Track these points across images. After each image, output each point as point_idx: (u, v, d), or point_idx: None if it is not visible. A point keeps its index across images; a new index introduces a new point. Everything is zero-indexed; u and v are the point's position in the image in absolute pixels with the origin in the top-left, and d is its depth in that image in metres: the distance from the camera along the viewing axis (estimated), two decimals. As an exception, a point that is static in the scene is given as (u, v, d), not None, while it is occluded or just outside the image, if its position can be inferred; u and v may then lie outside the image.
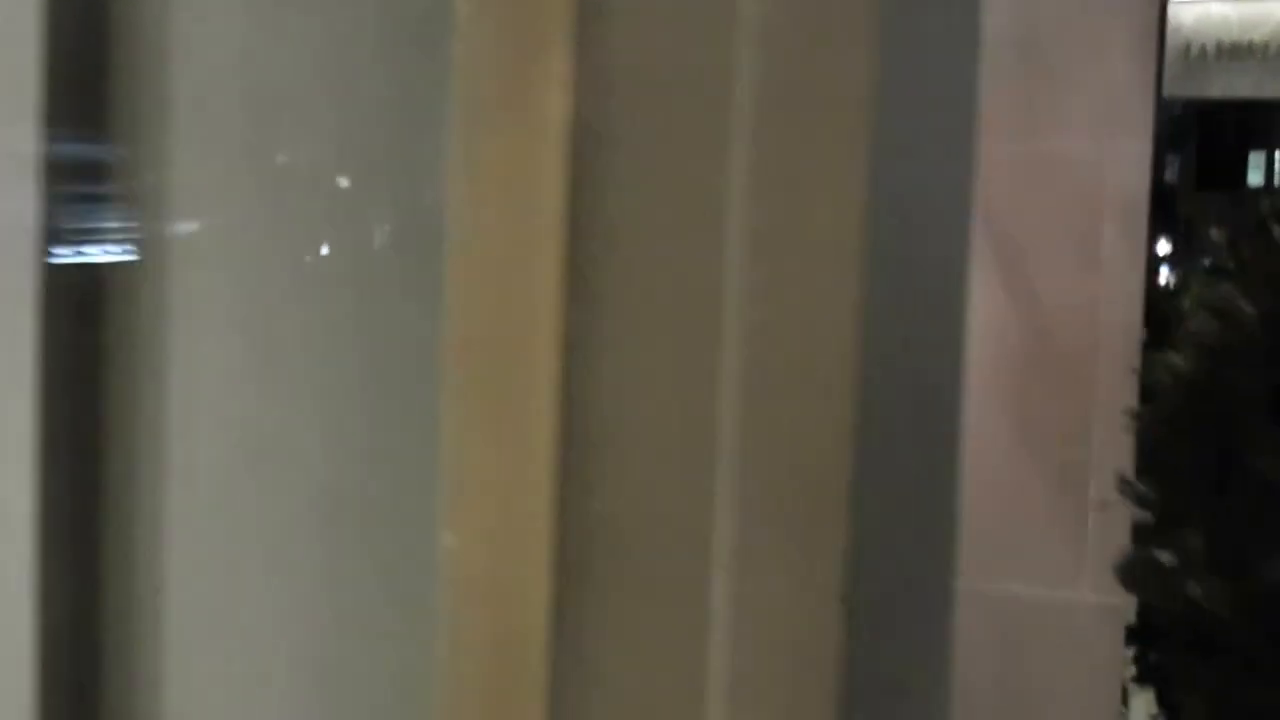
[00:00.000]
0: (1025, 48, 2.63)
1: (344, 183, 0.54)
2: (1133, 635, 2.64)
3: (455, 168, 0.53)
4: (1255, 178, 10.54)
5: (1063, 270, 2.67)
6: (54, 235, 0.57)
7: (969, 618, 2.45)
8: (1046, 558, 2.60)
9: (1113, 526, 2.36)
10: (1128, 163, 2.67)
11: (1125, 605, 2.47)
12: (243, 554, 0.57)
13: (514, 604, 0.53)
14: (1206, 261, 3.44)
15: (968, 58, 0.69)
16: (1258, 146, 10.66)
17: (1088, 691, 2.58)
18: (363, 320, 0.56)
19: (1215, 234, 2.30)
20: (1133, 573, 2.19)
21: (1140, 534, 2.23)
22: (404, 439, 0.56)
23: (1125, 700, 2.79)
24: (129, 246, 0.59)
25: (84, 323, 0.57)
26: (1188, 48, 5.99)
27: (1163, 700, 2.67)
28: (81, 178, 0.59)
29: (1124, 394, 2.48)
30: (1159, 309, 2.93)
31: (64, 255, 0.58)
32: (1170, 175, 9.83)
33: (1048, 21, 2.71)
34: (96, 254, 0.59)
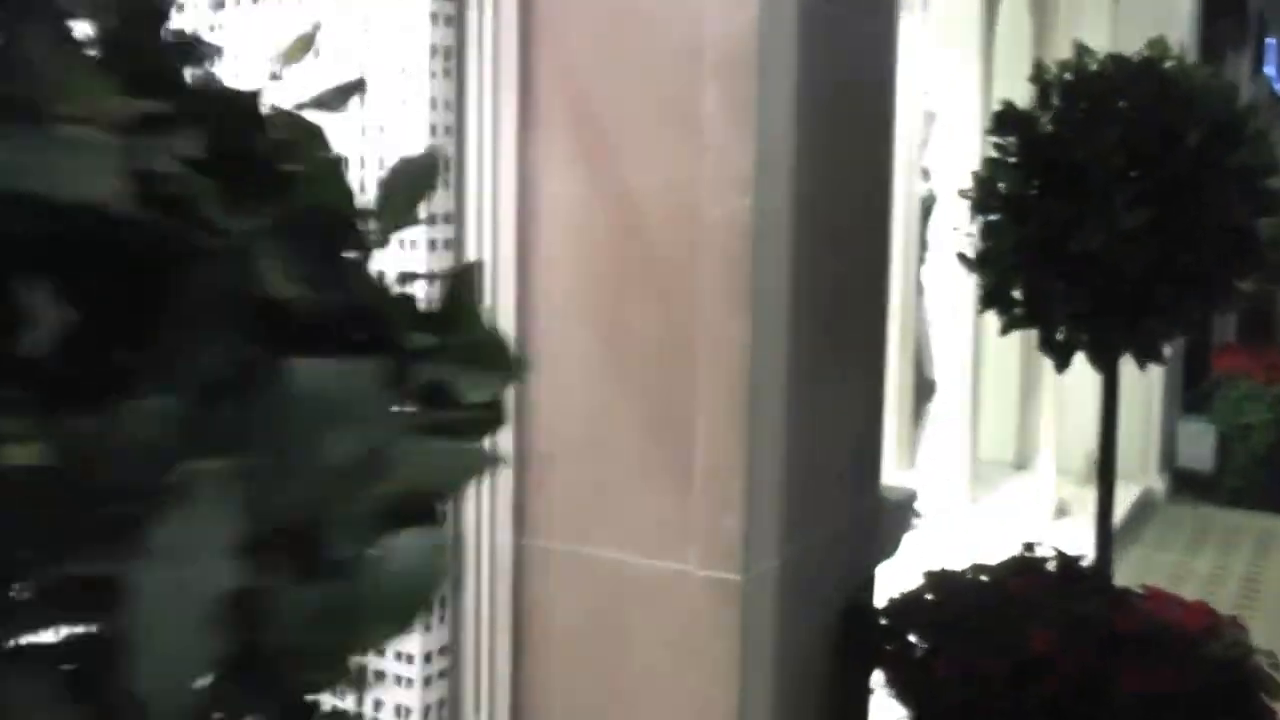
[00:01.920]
0: None
1: None
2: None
3: None
4: None
5: (657, 148, 2.01)
6: None
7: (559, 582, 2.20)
8: (645, 522, 2.10)
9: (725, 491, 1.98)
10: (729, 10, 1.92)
11: (738, 580, 1.99)
12: None
13: None
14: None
15: None
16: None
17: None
18: None
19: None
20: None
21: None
22: None
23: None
24: None
25: None
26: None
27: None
28: None
29: (732, 312, 1.95)
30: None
31: None
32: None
33: None
34: None
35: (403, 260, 2.16)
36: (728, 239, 1.97)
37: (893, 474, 5.29)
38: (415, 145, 2.14)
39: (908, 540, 2.74)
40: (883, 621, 2.33)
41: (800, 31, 1.99)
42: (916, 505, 2.76)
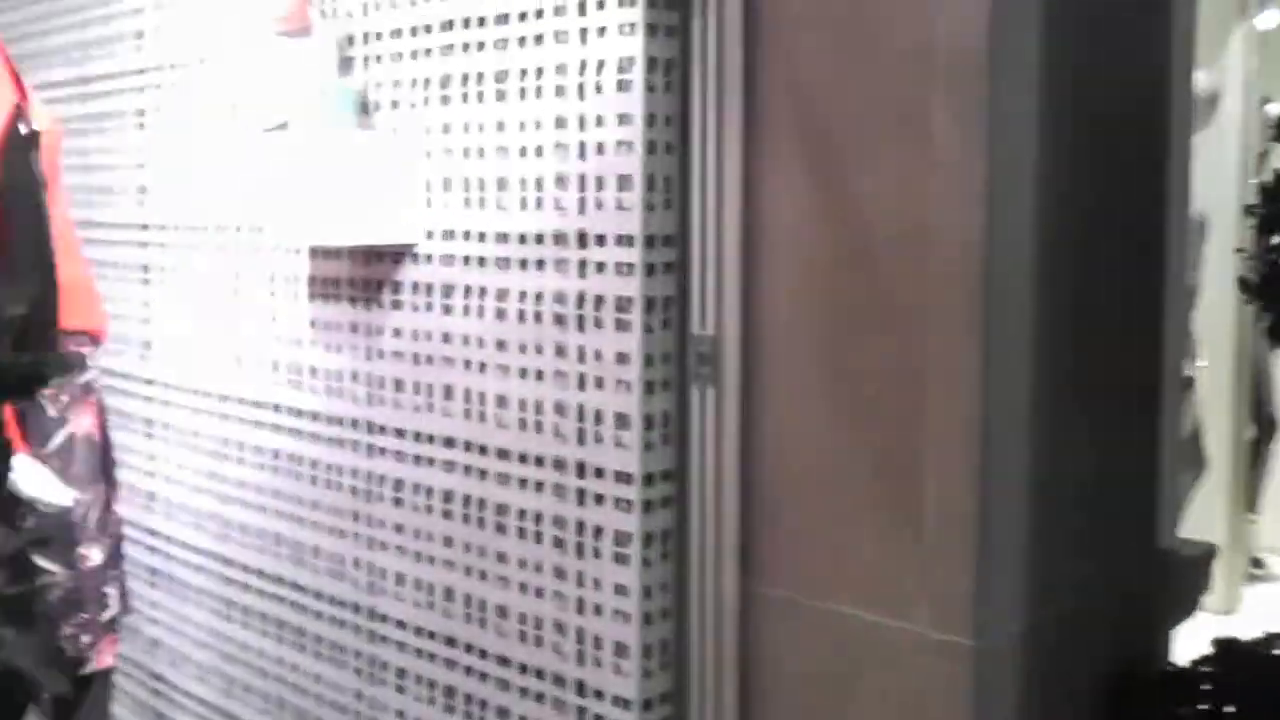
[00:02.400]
0: None
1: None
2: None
3: None
4: None
5: (884, 162, 1.82)
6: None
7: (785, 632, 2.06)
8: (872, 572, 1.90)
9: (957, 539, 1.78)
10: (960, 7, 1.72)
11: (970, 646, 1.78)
12: None
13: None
14: None
15: None
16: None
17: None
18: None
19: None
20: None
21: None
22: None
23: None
24: None
25: None
26: None
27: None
28: None
29: (965, 341, 1.75)
30: None
31: None
32: None
33: None
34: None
35: (621, 285, 2.06)
36: (959, 260, 1.76)
37: (1226, 519, 4.80)
38: (634, 165, 2.04)
39: (1207, 600, 2.41)
40: (1158, 696, 2.03)
41: (1045, 24, 1.76)
42: (1214, 561, 2.43)
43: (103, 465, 2.47)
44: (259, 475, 2.91)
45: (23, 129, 2.10)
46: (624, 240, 2.06)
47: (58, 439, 2.31)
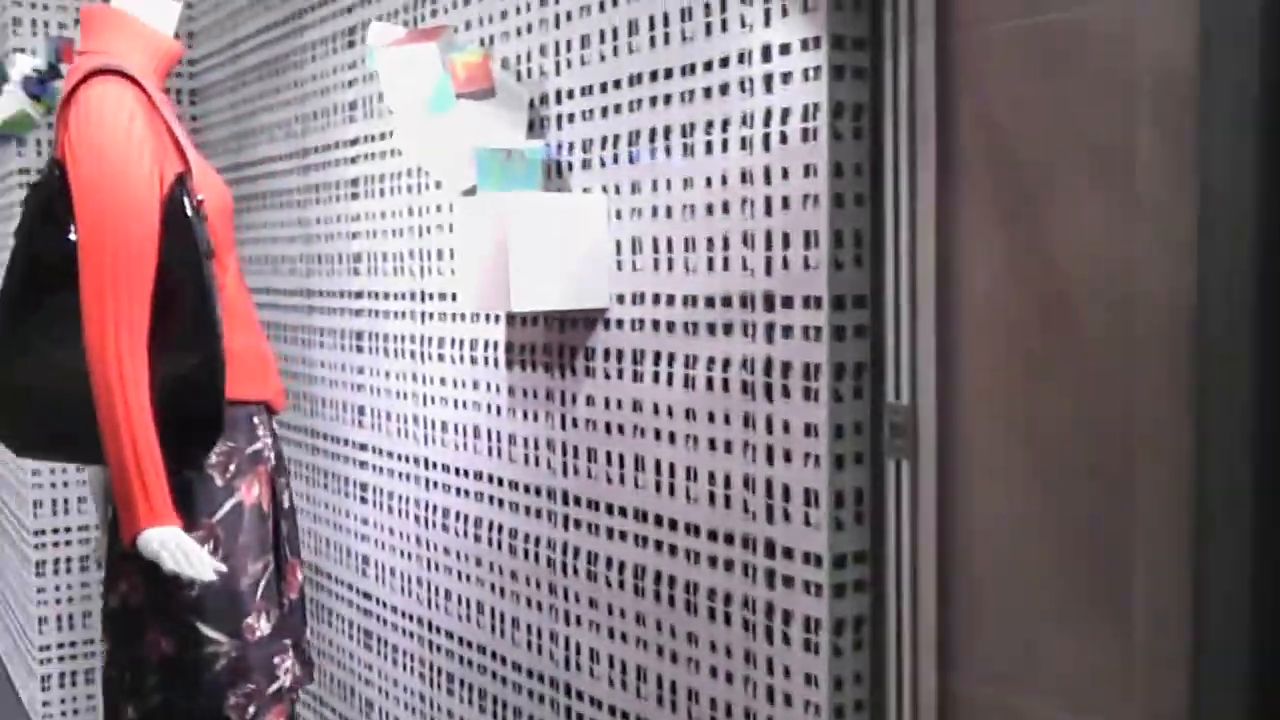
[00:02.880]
0: None
1: None
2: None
3: None
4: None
5: (1085, 208, 1.62)
6: None
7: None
8: (1078, 668, 1.68)
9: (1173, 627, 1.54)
10: (1167, 27, 1.52)
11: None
12: None
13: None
14: None
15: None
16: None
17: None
18: None
19: None
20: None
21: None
22: None
23: None
24: None
25: None
26: None
27: None
28: None
29: (1175, 410, 1.52)
30: None
31: None
32: None
33: None
34: None
35: (809, 351, 1.91)
36: (1168, 319, 1.54)
37: None
38: (821, 220, 1.89)
39: None
40: None
41: (1265, 43, 1.53)
42: None
43: (275, 535, 2.46)
44: (461, 543, 2.87)
45: (187, 200, 2.11)
46: (811, 302, 1.92)
47: (225, 508, 2.31)
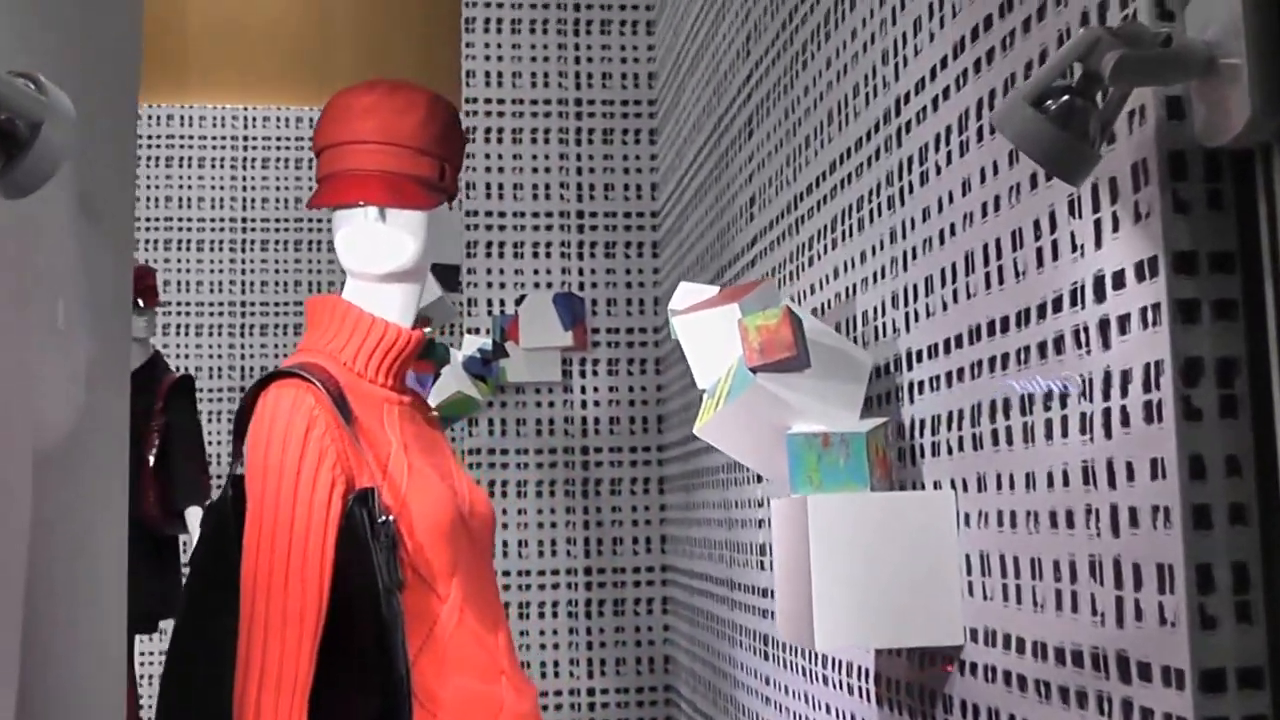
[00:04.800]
0: None
1: None
2: None
3: None
4: None
5: None
6: None
7: None
8: None
9: None
10: None
11: None
12: None
13: None
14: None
15: None
16: None
17: None
18: None
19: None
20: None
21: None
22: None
23: None
24: None
25: None
26: None
27: None
28: None
29: None
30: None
31: None
32: None
33: None
34: None
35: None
36: None
37: None
38: (1174, 549, 1.18)
39: None
40: None
41: None
42: None
43: None
44: None
45: (368, 521, 1.71)
46: (1173, 677, 1.19)
47: None
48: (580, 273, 4.32)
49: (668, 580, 4.18)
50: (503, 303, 4.24)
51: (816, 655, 2.38)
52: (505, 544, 4.16)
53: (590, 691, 4.17)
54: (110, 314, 3.26)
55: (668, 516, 4.18)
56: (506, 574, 4.14)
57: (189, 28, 6.13)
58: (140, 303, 4.61)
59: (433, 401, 4.00)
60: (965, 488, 1.70)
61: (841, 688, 2.24)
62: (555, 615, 4.18)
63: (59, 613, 2.10)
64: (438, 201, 1.90)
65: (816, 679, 2.40)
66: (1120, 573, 1.29)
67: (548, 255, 4.31)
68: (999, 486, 1.59)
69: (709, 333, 2.02)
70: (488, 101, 4.37)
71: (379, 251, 1.90)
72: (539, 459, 4.22)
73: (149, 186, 6.22)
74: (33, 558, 1.77)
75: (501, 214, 4.31)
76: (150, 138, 6.23)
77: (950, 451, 1.75)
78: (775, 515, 1.90)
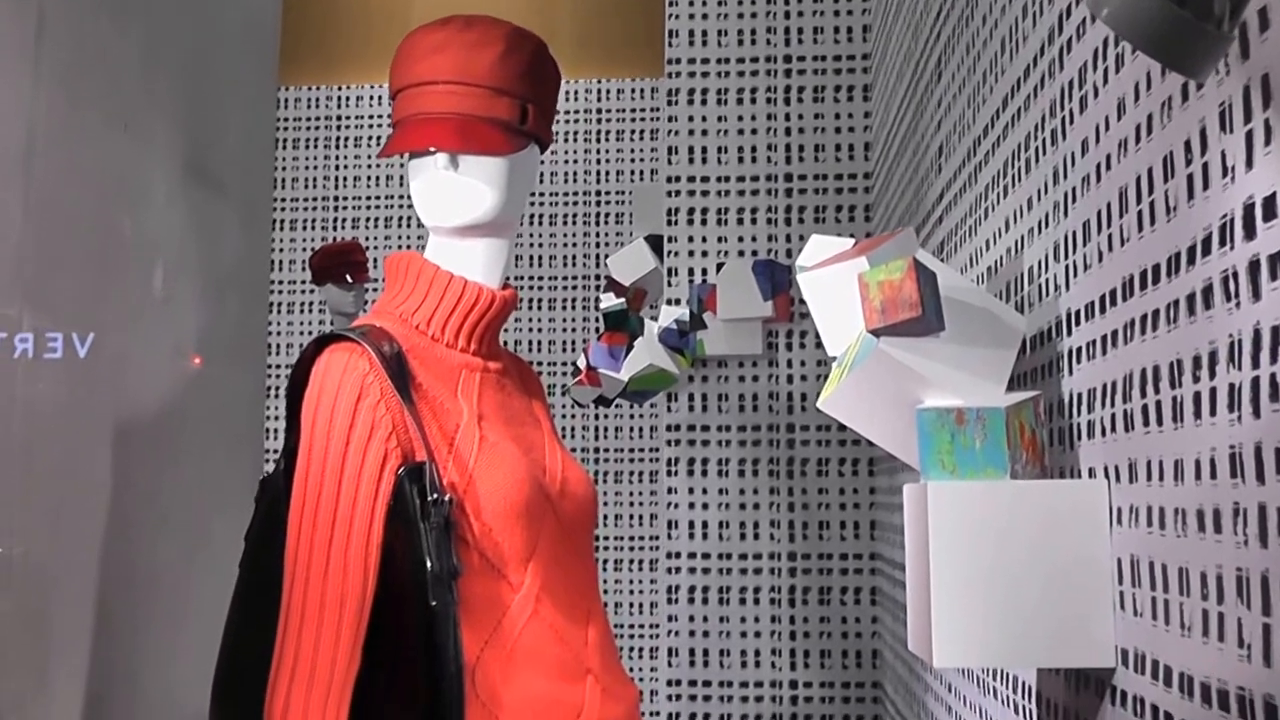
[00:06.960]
0: None
1: None
2: None
3: None
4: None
5: None
6: None
7: None
8: None
9: None
10: None
11: None
12: None
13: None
14: None
15: None
16: None
17: None
18: None
19: None
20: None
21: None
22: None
23: None
24: None
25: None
26: None
27: None
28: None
29: None
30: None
31: None
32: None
33: None
34: None
35: None
36: None
37: None
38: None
39: None
40: None
41: None
42: None
43: None
44: None
45: (416, 499, 1.50)
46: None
47: None
48: (788, 239, 4.05)
49: (876, 569, 3.89)
50: (704, 271, 4.03)
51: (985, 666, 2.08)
52: (705, 525, 3.96)
53: (794, 684, 3.92)
54: (232, 286, 3.20)
55: (878, 500, 3.88)
56: (695, 556, 3.94)
57: (412, 12, 6.16)
58: (349, 278, 4.62)
59: (625, 375, 3.84)
60: (1118, 477, 1.39)
61: (1008, 705, 1.94)
62: (757, 602, 3.95)
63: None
64: (518, 146, 1.70)
65: (988, 691, 2.10)
66: (1269, 593, 0.98)
67: (753, 221, 4.06)
68: (1148, 476, 1.28)
69: (838, 291, 1.75)
70: (690, 62, 4.15)
71: (452, 202, 1.70)
72: (741, 436, 3.99)
73: (366, 166, 6.36)
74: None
75: (705, 179, 4.09)
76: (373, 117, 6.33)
77: (1104, 432, 1.44)
78: (906, 505, 1.63)
